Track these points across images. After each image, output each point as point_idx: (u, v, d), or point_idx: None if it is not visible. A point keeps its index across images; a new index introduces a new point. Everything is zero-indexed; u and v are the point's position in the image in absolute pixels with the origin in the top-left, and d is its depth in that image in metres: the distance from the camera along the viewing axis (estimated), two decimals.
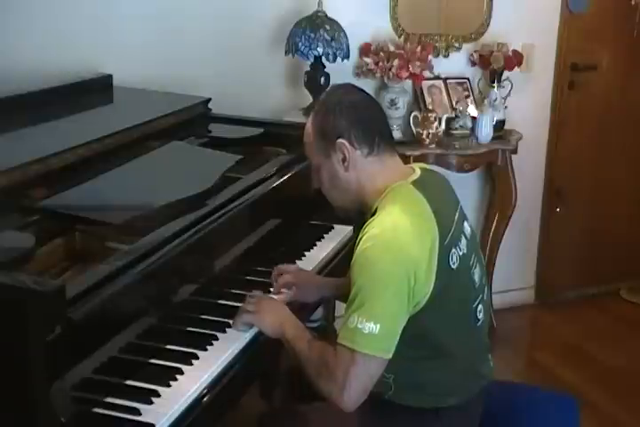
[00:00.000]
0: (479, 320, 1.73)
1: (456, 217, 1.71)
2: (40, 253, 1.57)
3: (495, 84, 3.32)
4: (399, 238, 1.56)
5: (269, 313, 1.73)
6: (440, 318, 1.63)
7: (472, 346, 1.75)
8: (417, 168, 1.75)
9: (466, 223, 1.75)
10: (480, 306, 1.73)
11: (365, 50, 3.11)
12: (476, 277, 1.73)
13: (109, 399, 1.43)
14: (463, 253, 1.67)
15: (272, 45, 2.98)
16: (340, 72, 2.97)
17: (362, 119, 1.70)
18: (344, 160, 1.68)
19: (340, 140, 1.67)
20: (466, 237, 1.71)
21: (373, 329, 1.51)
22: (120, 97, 2.51)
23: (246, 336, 1.71)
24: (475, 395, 1.76)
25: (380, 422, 1.74)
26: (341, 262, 2.13)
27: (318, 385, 1.59)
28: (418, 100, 3.27)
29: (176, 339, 1.65)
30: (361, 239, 1.60)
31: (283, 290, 1.92)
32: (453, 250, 1.63)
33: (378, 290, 1.54)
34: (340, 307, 2.00)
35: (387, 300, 1.53)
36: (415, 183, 1.68)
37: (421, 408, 1.69)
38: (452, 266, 1.62)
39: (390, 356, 1.56)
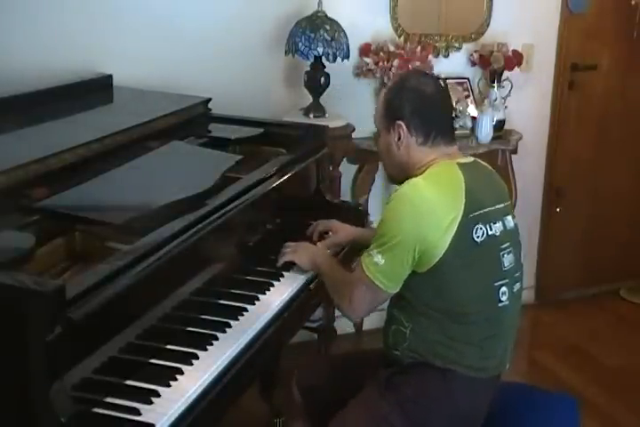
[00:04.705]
0: (502, 302, 1.79)
1: (497, 206, 1.82)
2: (40, 253, 1.57)
3: (495, 84, 3.32)
4: (422, 197, 1.73)
5: (305, 251, 2.03)
6: (461, 283, 1.74)
7: (489, 325, 1.79)
8: (472, 158, 1.90)
9: (509, 217, 1.86)
10: (504, 289, 1.80)
11: (365, 50, 3.11)
12: (506, 262, 1.81)
13: (109, 399, 1.43)
14: (493, 235, 1.77)
15: (272, 45, 2.98)
16: (340, 72, 2.97)
17: (425, 112, 1.82)
18: (399, 139, 1.83)
19: (399, 122, 1.81)
20: (504, 226, 1.82)
21: (379, 260, 1.74)
22: (120, 97, 2.51)
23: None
24: (483, 384, 1.79)
25: (390, 378, 1.83)
26: (342, 261, 2.13)
27: (333, 299, 1.89)
28: None
29: (176, 339, 1.65)
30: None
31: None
32: (480, 225, 1.75)
33: (391, 232, 1.74)
34: None
35: (394, 243, 1.72)
36: (460, 164, 1.81)
37: (429, 365, 1.78)
38: (476, 239, 1.74)
39: (391, 292, 1.77)
